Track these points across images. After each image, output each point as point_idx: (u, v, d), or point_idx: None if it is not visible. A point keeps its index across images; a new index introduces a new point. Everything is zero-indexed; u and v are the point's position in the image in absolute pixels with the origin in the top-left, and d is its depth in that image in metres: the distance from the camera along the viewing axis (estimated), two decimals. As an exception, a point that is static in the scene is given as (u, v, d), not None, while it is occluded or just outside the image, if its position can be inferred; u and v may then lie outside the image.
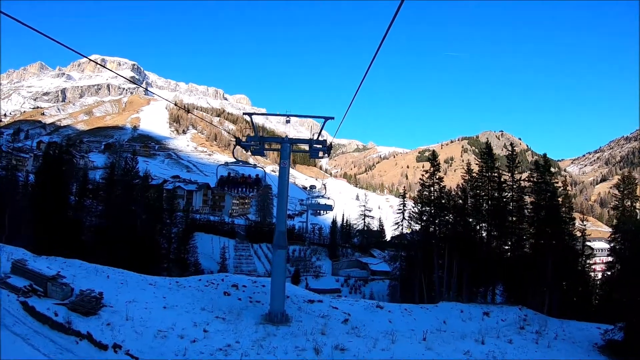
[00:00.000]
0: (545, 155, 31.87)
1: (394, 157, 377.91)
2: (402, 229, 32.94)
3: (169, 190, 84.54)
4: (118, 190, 43.27)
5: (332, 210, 19.72)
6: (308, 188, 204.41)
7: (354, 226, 68.72)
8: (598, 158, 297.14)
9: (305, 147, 12.32)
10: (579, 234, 31.65)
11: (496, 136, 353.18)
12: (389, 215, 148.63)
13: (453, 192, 27.80)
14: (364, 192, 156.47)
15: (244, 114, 12.19)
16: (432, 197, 27.19)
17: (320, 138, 12.12)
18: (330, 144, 11.98)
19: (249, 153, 13.32)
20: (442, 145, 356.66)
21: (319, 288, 45.18)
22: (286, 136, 12.05)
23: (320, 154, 12.43)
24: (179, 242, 39.92)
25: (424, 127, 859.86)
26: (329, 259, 54.07)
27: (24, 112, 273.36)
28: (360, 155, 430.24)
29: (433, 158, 28.10)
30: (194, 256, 39.65)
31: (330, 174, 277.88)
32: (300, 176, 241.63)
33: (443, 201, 27.28)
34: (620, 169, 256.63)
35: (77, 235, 36.28)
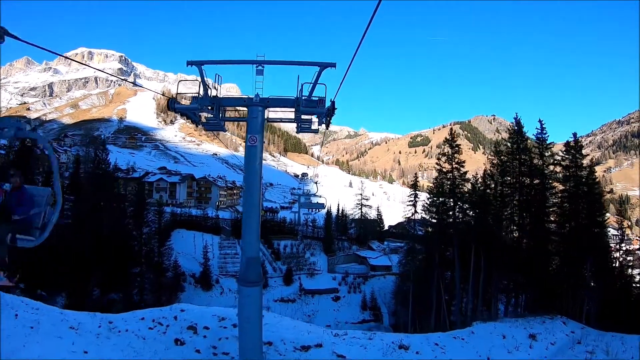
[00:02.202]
0: (575, 134, 27.45)
1: (386, 142, 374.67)
2: (414, 224, 28.17)
3: (150, 183, 79.05)
4: (86, 186, 38.28)
5: (324, 208, 16.30)
6: (300, 176, 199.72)
7: (350, 216, 64.08)
8: (590, 142, 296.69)
9: (290, 114, 7.34)
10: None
11: (488, 120, 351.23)
12: (383, 202, 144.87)
13: (479, 180, 22.93)
14: (359, 180, 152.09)
15: (187, 62, 6.93)
16: (452, 186, 22.36)
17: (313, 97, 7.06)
18: (332, 104, 6.89)
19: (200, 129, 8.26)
20: (434, 130, 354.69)
21: (314, 288, 40.78)
22: (257, 95, 7.03)
23: (314, 124, 7.45)
24: (157, 241, 34.84)
25: (415, 113, 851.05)
26: (324, 254, 49.47)
27: (10, 108, 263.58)
28: (351, 141, 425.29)
29: (452, 138, 23.01)
30: (169, 260, 34.61)
31: (322, 161, 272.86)
32: (291, 164, 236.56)
33: (465, 189, 22.59)
34: (613, 153, 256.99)
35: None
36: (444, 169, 22.75)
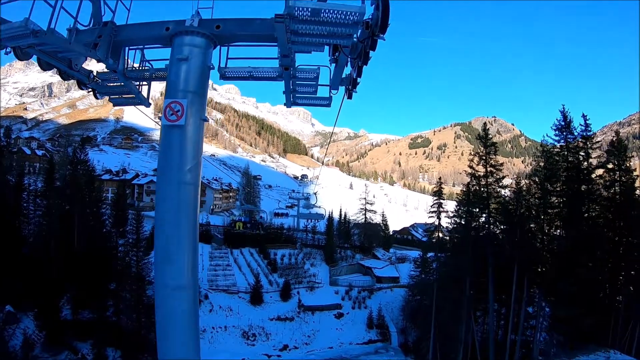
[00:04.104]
0: (618, 132, 23.64)
1: (386, 144, 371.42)
2: (438, 236, 24.03)
3: (140, 185, 74.94)
4: (60, 190, 34.55)
5: (323, 218, 19.29)
6: (299, 178, 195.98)
7: (353, 221, 59.86)
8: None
9: (271, 62, 3.41)
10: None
11: (489, 122, 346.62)
12: (385, 204, 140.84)
13: (524, 187, 18.74)
14: (361, 182, 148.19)
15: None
16: (487, 194, 18.27)
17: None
18: (383, 17, 2.84)
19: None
20: (434, 131, 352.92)
21: (315, 305, 36.59)
22: (196, 14, 3.15)
23: (327, 90, 3.51)
24: (136, 253, 30.82)
25: (415, 114, 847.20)
26: (326, 264, 45.32)
27: (8, 108, 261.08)
28: (351, 143, 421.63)
29: (485, 135, 18.80)
30: (150, 275, 30.51)
31: (322, 163, 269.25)
32: (290, 165, 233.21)
33: (502, 197, 18.59)
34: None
35: (16, 248, 27.51)
36: (477, 173, 18.67)
